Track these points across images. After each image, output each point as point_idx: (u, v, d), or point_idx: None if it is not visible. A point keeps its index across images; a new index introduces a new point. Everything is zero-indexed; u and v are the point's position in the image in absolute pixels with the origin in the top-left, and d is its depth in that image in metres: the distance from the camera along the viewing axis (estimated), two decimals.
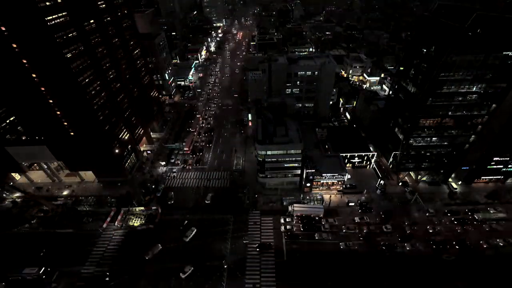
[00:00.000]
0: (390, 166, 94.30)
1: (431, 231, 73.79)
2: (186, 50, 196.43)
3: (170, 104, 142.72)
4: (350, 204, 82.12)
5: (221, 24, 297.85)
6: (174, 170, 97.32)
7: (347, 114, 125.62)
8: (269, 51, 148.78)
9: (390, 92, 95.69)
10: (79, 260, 68.86)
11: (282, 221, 77.56)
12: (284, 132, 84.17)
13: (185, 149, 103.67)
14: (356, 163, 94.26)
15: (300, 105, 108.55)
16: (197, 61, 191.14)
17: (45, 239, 74.08)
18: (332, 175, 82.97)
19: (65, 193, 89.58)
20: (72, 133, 78.28)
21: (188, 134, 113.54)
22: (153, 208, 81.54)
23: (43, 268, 65.93)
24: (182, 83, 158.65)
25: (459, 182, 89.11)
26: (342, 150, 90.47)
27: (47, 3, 60.98)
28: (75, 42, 68.67)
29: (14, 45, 62.11)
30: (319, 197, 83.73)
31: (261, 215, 79.87)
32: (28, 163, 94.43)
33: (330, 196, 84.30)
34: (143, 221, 77.77)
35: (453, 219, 77.07)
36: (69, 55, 66.38)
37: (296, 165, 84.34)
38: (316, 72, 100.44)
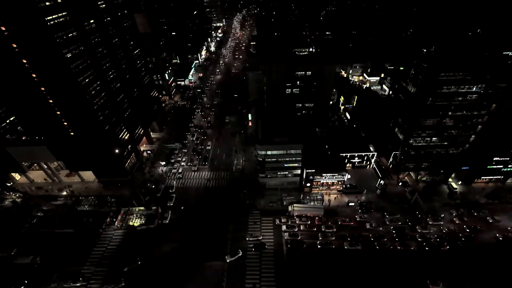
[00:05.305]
0: (390, 166, 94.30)
1: None
2: (186, 50, 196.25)
3: (170, 104, 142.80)
4: (350, 204, 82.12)
5: (221, 24, 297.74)
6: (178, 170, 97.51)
7: (347, 114, 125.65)
8: (268, 52, 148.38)
9: (390, 92, 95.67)
10: (79, 260, 68.85)
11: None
12: (284, 132, 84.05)
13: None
14: (356, 163, 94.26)
15: (300, 105, 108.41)
16: (197, 61, 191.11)
17: (45, 239, 74.09)
18: (332, 175, 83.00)
19: (65, 193, 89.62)
20: (72, 133, 78.26)
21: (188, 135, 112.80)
22: (153, 208, 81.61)
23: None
24: (182, 83, 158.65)
25: (459, 182, 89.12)
26: (342, 150, 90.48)
27: (47, 3, 61.00)
28: (75, 42, 68.67)
29: (14, 45, 62.11)
30: (319, 197, 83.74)
31: (261, 215, 79.93)
32: (28, 163, 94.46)
33: (329, 196, 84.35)
34: (143, 221, 77.81)
35: None
36: (69, 55, 66.38)
37: (296, 165, 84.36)
38: (316, 72, 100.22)
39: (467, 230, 74.04)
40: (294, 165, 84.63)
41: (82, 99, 72.29)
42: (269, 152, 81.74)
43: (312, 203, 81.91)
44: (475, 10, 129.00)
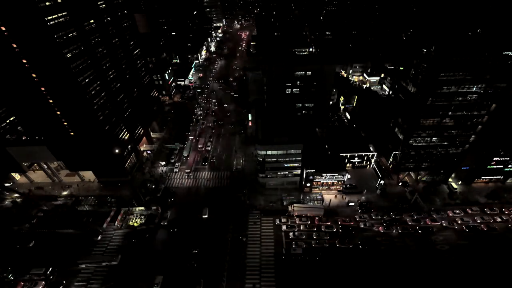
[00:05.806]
0: (390, 166, 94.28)
1: None
2: (186, 50, 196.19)
3: (170, 104, 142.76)
4: (350, 204, 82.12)
5: (221, 24, 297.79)
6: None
7: (347, 114, 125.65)
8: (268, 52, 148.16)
9: (390, 92, 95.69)
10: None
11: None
12: (284, 132, 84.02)
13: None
14: (356, 163, 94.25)
15: (300, 105, 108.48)
16: (197, 61, 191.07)
17: (45, 239, 74.06)
18: (332, 175, 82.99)
19: (65, 193, 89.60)
20: (72, 133, 78.25)
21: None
22: (153, 208, 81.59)
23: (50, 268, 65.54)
24: (182, 83, 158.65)
25: (459, 182, 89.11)
26: (342, 150, 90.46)
27: (47, 3, 60.97)
28: (75, 42, 68.67)
29: (14, 45, 62.10)
30: (319, 197, 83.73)
31: (261, 215, 79.86)
32: (28, 163, 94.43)
33: (335, 197, 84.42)
34: (143, 221, 77.78)
35: None
36: (69, 55, 66.37)
37: (296, 165, 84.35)
38: (316, 72, 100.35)
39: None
40: (294, 165, 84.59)
41: (82, 99, 72.25)
42: (269, 152, 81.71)
43: (312, 203, 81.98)
44: (475, 10, 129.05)
